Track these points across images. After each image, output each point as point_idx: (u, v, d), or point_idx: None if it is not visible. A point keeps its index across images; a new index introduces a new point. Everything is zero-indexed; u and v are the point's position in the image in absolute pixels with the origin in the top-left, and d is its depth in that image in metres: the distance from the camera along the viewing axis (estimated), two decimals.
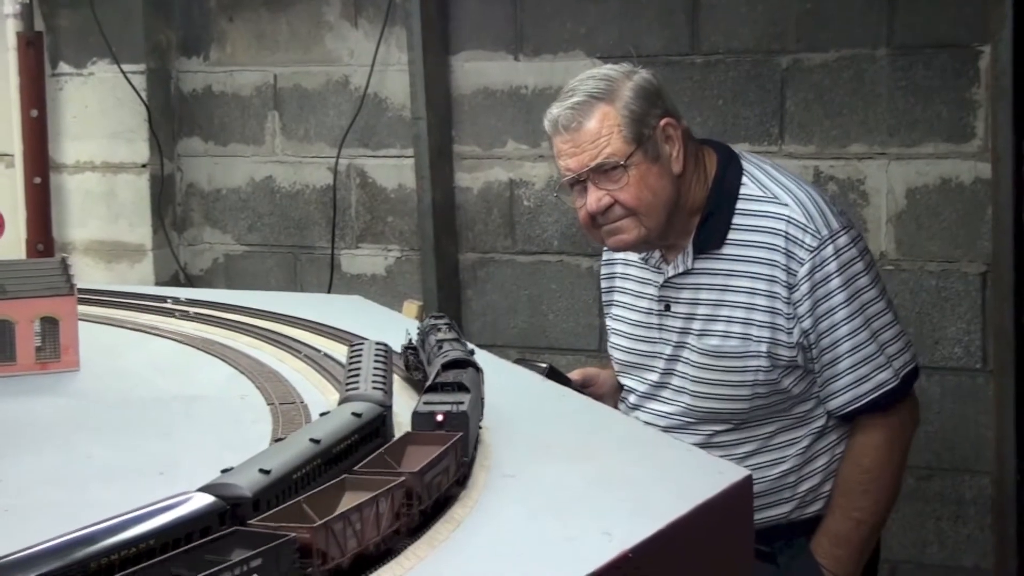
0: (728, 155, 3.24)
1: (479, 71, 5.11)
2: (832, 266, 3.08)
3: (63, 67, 5.60)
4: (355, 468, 1.78)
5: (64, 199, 5.64)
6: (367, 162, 5.34)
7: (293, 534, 1.48)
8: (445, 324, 2.66)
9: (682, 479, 2.16)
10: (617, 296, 3.42)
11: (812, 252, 3.07)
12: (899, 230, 4.57)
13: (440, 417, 2.02)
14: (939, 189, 4.51)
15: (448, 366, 2.30)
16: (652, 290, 3.29)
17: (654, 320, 3.29)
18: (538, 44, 5.01)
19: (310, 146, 5.45)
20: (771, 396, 3.16)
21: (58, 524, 1.48)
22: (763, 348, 3.12)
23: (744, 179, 3.18)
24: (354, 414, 1.98)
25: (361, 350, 2.46)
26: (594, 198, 3.11)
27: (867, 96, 4.56)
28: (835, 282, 3.08)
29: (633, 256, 3.35)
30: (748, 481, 2.13)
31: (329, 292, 5.31)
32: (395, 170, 5.30)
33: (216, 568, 1.36)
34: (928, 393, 4.59)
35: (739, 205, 3.15)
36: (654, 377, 3.31)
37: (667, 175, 3.12)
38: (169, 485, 1.74)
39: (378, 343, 2.56)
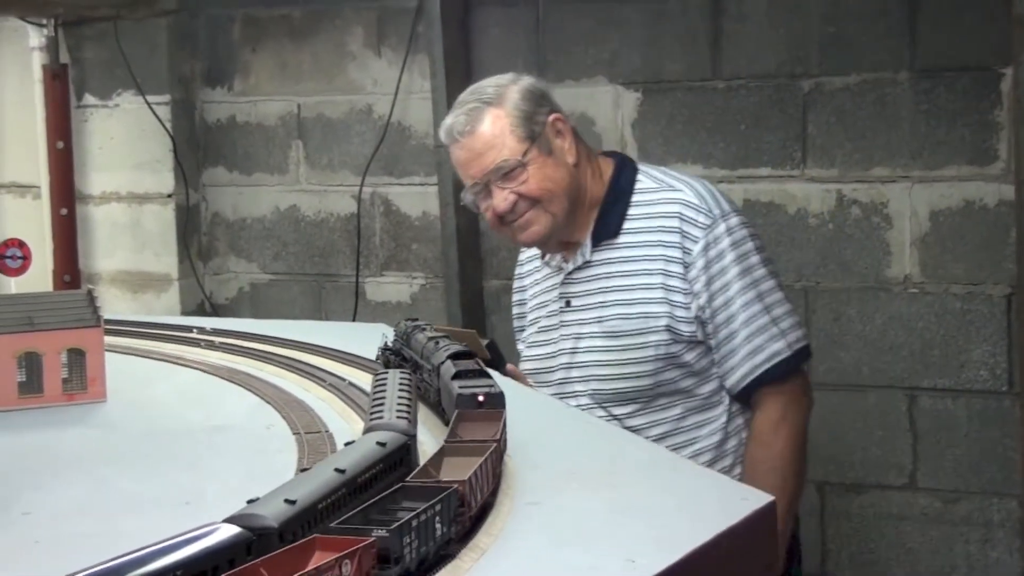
0: (624, 160, 3.51)
1: None
2: (725, 243, 3.28)
3: (88, 99, 5.64)
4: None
5: (90, 230, 5.67)
6: (391, 190, 5.36)
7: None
8: (426, 325, 2.90)
9: (705, 506, 2.16)
10: (530, 314, 3.59)
11: (706, 230, 3.27)
12: (923, 253, 4.57)
13: (481, 398, 2.25)
14: (962, 212, 4.51)
15: (455, 357, 2.53)
16: (553, 292, 3.48)
17: (555, 320, 3.46)
18: (560, 70, 5.02)
19: (334, 175, 5.47)
20: (673, 371, 3.31)
21: (86, 556, 1.49)
22: (662, 323, 3.29)
23: (639, 176, 3.42)
24: (379, 443, 1.98)
25: (386, 379, 2.47)
26: (500, 198, 3.32)
27: (889, 119, 4.56)
28: (728, 258, 3.28)
29: (538, 274, 3.56)
30: (772, 507, 2.13)
31: (354, 320, 5.32)
32: (419, 198, 5.32)
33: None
34: (954, 416, 4.58)
35: (635, 198, 3.38)
36: (560, 375, 3.44)
37: (563, 165, 3.35)
38: (195, 516, 1.74)
39: (403, 372, 2.56)
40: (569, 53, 5.01)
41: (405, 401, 2.29)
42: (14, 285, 3.09)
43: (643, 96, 4.90)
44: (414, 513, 1.64)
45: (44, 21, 5.48)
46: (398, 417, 2.17)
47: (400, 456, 2.02)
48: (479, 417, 2.18)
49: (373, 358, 3.12)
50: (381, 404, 2.27)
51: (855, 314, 4.68)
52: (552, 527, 1.96)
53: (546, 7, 5.01)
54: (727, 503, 2.12)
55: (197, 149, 5.66)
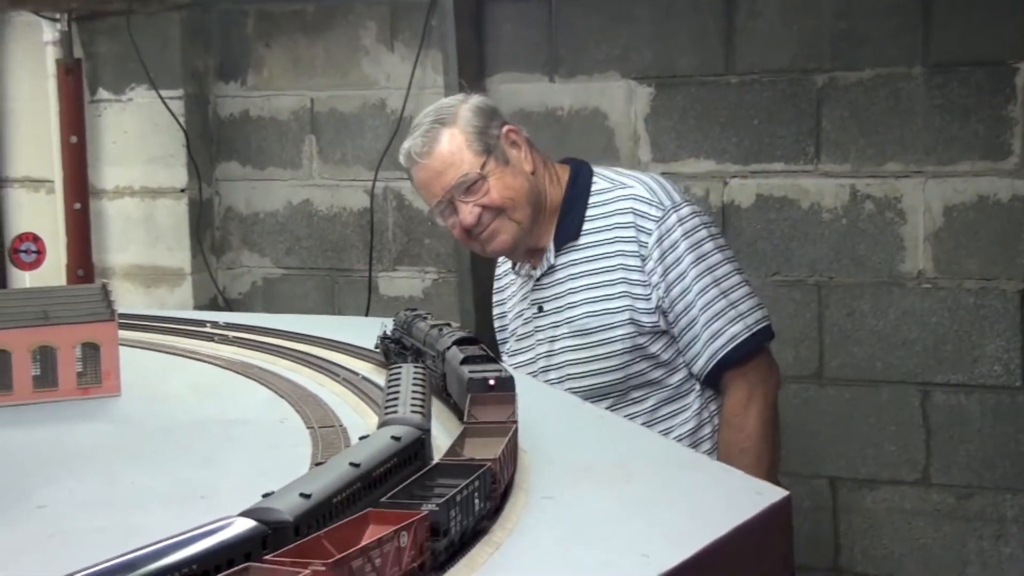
0: (579, 165, 3.58)
1: (514, 93, 5.12)
2: (677, 233, 3.37)
3: (102, 93, 5.64)
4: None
5: (103, 224, 5.68)
6: (404, 185, 5.35)
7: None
8: (427, 314, 3.04)
9: (720, 501, 2.16)
10: (510, 325, 3.70)
11: (658, 222, 3.38)
12: (936, 248, 4.56)
13: (492, 381, 2.33)
14: (976, 207, 4.50)
15: (460, 342, 2.63)
16: (526, 302, 3.59)
17: (531, 327, 3.57)
18: (573, 66, 5.02)
19: (347, 169, 5.47)
20: (641, 363, 3.41)
21: (101, 550, 1.50)
22: (624, 316, 3.39)
23: (595, 178, 3.52)
24: (393, 438, 1.99)
25: (400, 373, 2.47)
26: (465, 212, 3.42)
27: (903, 114, 4.56)
28: (682, 247, 3.37)
29: (513, 286, 3.68)
30: (787, 502, 2.13)
31: (367, 315, 5.33)
32: None
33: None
34: (967, 411, 4.57)
35: (592, 199, 3.48)
36: (539, 379, 3.51)
37: (521, 174, 3.45)
38: (210, 510, 1.75)
39: (416, 366, 2.57)
40: (582, 48, 5.00)
41: (419, 395, 2.30)
42: (28, 279, 3.09)
43: (656, 91, 4.90)
44: (457, 488, 1.72)
45: (57, 16, 5.49)
46: (412, 411, 2.18)
47: (415, 450, 2.02)
48: (492, 400, 2.24)
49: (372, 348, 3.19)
50: (395, 398, 2.27)
51: (868, 309, 4.68)
52: (566, 522, 1.96)
53: (559, 2, 5.01)
54: (741, 498, 2.12)
55: (210, 143, 5.67)
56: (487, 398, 2.25)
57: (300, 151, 5.54)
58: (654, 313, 3.38)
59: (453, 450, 2.00)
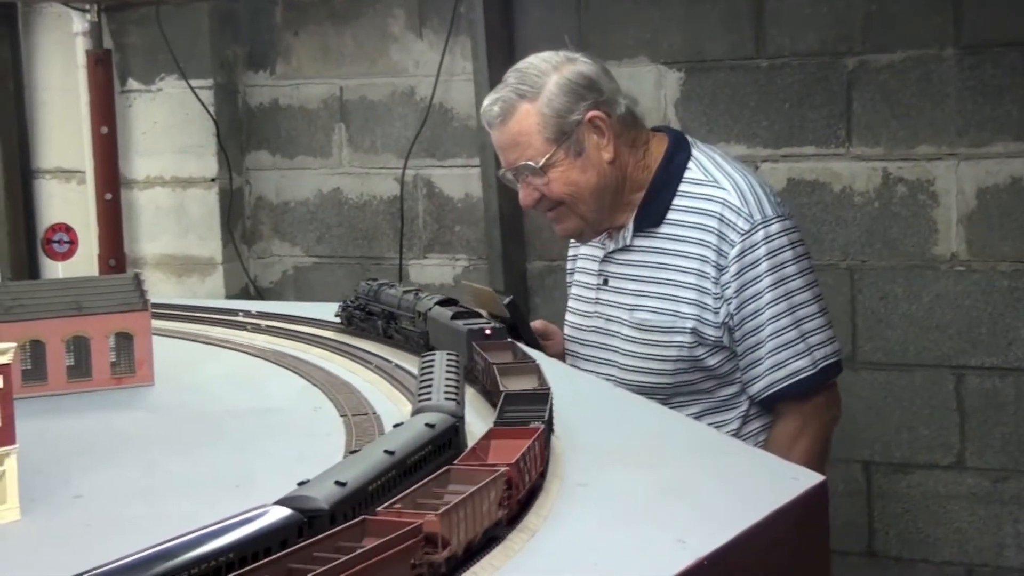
0: (679, 140, 3.38)
1: None
2: (761, 251, 3.19)
3: (132, 84, 5.66)
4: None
5: (135, 214, 5.70)
6: (434, 172, 5.36)
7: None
8: (393, 283, 3.24)
9: (755, 486, 2.15)
10: (577, 276, 3.56)
11: (744, 235, 3.19)
12: (969, 231, 4.53)
13: (488, 331, 2.57)
14: (1009, 188, 4.47)
15: (443, 303, 2.89)
16: (595, 265, 3.44)
17: (592, 294, 3.45)
18: (602, 50, 4.98)
19: (377, 157, 5.47)
20: (695, 373, 3.27)
21: (138, 538, 1.50)
22: (688, 325, 3.23)
23: (691, 164, 3.31)
24: (427, 425, 1.99)
25: (433, 361, 2.47)
26: (523, 194, 3.33)
27: (935, 96, 4.53)
28: (763, 266, 3.19)
29: (585, 248, 3.52)
30: (823, 487, 2.12)
31: None
32: (462, 180, 5.32)
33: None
34: (1002, 394, 4.55)
35: (682, 187, 3.29)
36: (590, 350, 3.43)
37: (593, 167, 3.27)
38: (245, 498, 1.75)
39: (449, 353, 2.56)
40: (611, 33, 4.99)
41: (453, 383, 2.29)
42: (61, 269, 3.10)
43: (686, 75, 4.89)
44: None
45: (87, 6, 5.51)
46: (446, 399, 2.17)
47: (448, 437, 2.02)
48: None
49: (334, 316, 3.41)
50: (429, 386, 2.27)
51: (901, 293, 4.66)
52: (602, 508, 1.96)
53: None
54: (777, 483, 2.12)
55: (240, 133, 5.68)
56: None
57: (330, 139, 5.54)
58: (720, 327, 3.22)
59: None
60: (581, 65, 3.29)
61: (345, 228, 5.56)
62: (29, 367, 2.76)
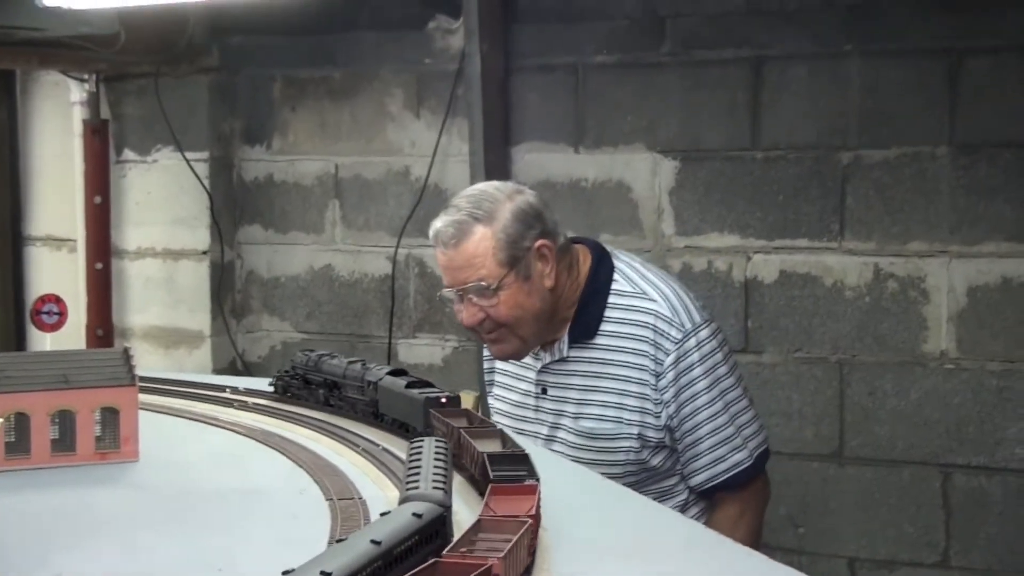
0: (600, 253, 3.54)
1: (539, 163, 5.13)
2: (695, 356, 3.39)
3: (128, 154, 5.67)
4: None
5: (125, 285, 5.70)
6: (426, 252, 5.36)
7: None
8: (334, 353, 3.30)
9: None
10: (498, 376, 3.70)
11: (677, 344, 3.38)
12: (960, 329, 4.54)
13: (444, 399, 2.70)
14: (1001, 288, 4.48)
15: (393, 373, 2.99)
16: (531, 374, 3.56)
17: (531, 402, 3.57)
18: (599, 137, 5.03)
19: (370, 235, 5.48)
20: (640, 473, 3.43)
21: None
22: (634, 431, 3.42)
23: (615, 275, 3.48)
24: (415, 515, 1.96)
25: (421, 447, 2.45)
26: (468, 313, 3.42)
27: (928, 193, 4.55)
28: (697, 371, 3.39)
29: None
30: None
31: None
32: None
33: None
34: (989, 493, 4.54)
35: (610, 300, 3.46)
36: None
37: (537, 291, 3.41)
38: None
39: (438, 440, 2.54)
40: (608, 119, 5.01)
41: (441, 471, 2.27)
42: (49, 341, 3.09)
43: (681, 164, 4.90)
44: None
45: (86, 76, 5.53)
46: (434, 487, 2.15)
47: (436, 528, 1.99)
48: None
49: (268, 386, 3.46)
50: (417, 473, 2.25)
51: (890, 388, 4.65)
52: None
53: (586, 73, 5.03)
54: None
55: (234, 206, 5.68)
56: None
57: (323, 216, 5.55)
58: (662, 430, 3.41)
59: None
60: (529, 196, 3.44)
61: (335, 305, 5.56)
62: (13, 439, 2.74)
